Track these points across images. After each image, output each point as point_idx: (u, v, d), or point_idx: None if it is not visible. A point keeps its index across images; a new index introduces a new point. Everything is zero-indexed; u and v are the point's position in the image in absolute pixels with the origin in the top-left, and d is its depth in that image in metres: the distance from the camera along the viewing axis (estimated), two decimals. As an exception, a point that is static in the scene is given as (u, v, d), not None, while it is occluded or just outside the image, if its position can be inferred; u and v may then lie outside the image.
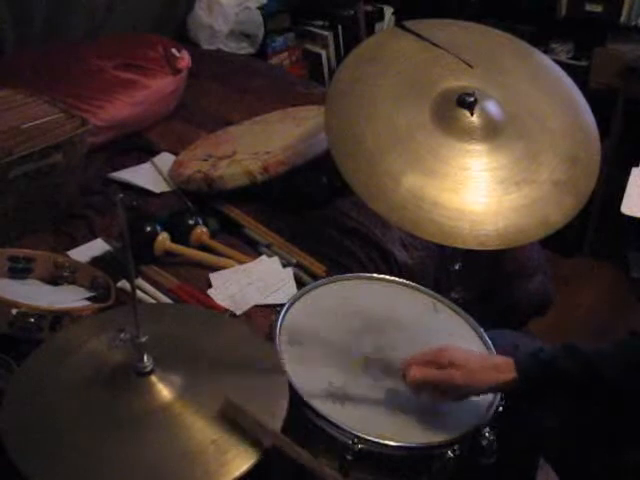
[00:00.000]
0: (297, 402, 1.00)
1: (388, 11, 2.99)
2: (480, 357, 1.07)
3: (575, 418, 1.14)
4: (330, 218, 1.62)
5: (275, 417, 0.85)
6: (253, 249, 1.52)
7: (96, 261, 1.42)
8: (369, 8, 2.95)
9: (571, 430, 1.15)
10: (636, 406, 1.04)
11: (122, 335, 0.86)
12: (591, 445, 1.14)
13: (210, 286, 1.39)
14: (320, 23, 2.93)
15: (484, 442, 1.04)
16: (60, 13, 2.17)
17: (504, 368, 1.02)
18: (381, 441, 0.99)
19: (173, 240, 1.45)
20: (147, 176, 1.74)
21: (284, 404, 0.88)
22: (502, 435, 1.05)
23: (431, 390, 1.05)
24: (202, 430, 0.82)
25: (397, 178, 1.21)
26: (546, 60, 1.48)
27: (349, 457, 0.99)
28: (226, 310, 1.32)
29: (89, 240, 1.51)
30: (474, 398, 1.08)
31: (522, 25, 2.52)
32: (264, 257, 1.48)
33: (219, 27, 2.54)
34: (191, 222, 1.49)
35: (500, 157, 1.26)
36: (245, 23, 2.61)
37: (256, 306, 1.35)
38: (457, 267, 1.46)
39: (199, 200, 1.64)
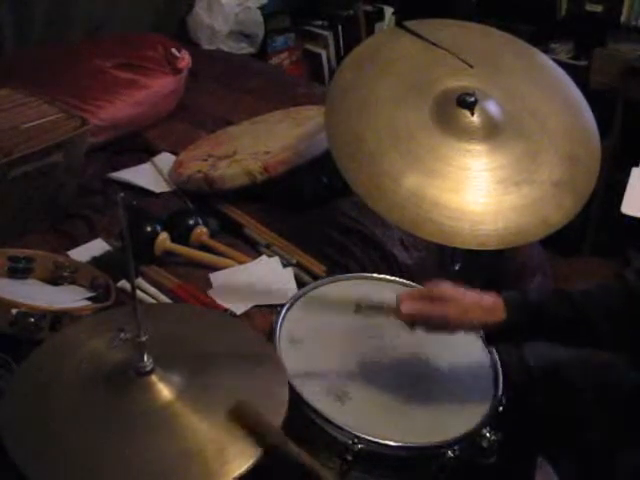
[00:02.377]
0: (297, 402, 1.00)
1: (388, 11, 2.99)
2: (471, 295, 1.07)
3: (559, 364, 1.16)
4: (330, 218, 1.62)
5: (275, 417, 0.85)
6: (253, 249, 1.52)
7: (96, 261, 1.42)
8: (369, 8, 2.95)
9: (570, 426, 1.16)
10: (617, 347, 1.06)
11: (122, 335, 0.86)
12: (590, 445, 1.15)
13: (210, 286, 1.39)
14: (320, 23, 2.93)
15: (484, 442, 1.04)
16: (60, 13, 2.17)
17: (494, 308, 1.04)
18: (381, 441, 0.99)
19: (173, 240, 1.45)
20: (147, 176, 1.74)
21: (284, 404, 0.88)
22: (502, 435, 1.05)
23: (424, 324, 1.06)
24: (202, 430, 0.82)
25: (397, 178, 1.21)
26: (546, 60, 1.48)
27: (349, 457, 0.99)
28: (226, 310, 1.32)
29: (89, 240, 1.50)
30: (474, 398, 1.08)
31: (522, 25, 2.51)
32: (264, 257, 1.48)
33: (219, 27, 2.54)
34: (191, 222, 1.49)
35: (500, 157, 1.26)
36: (245, 23, 2.61)
37: (256, 306, 1.35)
38: (457, 267, 1.46)
39: (199, 200, 1.64)
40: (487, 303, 1.04)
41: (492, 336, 1.08)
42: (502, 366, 1.15)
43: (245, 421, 0.82)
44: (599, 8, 2.60)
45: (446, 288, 1.07)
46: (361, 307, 1.07)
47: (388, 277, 1.32)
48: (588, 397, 1.15)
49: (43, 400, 0.85)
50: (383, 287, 1.29)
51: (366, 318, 1.21)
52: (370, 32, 2.85)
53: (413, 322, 1.06)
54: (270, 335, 1.13)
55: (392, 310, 1.06)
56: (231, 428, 0.82)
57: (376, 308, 1.08)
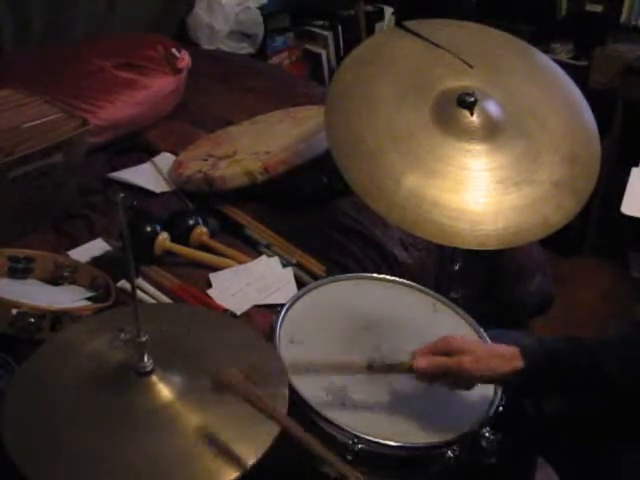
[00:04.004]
0: (297, 402, 1.00)
1: (388, 11, 2.99)
2: (486, 345, 1.08)
3: (577, 411, 1.14)
4: (330, 218, 1.62)
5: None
6: (253, 249, 1.52)
7: (96, 261, 1.42)
8: (369, 8, 2.95)
9: (571, 426, 1.15)
10: (633, 402, 1.04)
11: (122, 335, 0.86)
12: (591, 445, 1.15)
13: (210, 286, 1.39)
14: (320, 23, 2.93)
15: (484, 442, 1.04)
16: (60, 13, 2.17)
17: (510, 356, 1.02)
18: (381, 441, 0.99)
19: (173, 240, 1.45)
20: (147, 176, 1.74)
21: (284, 404, 0.88)
22: (502, 435, 1.05)
23: (441, 378, 1.05)
24: (202, 430, 0.82)
25: (397, 178, 1.21)
26: (546, 60, 1.48)
27: (349, 457, 0.99)
28: (226, 310, 1.32)
29: (89, 240, 1.50)
30: (473, 398, 1.08)
31: (522, 25, 2.51)
32: (264, 257, 1.48)
33: (219, 27, 2.54)
34: (191, 222, 1.49)
35: (500, 157, 1.26)
36: (245, 23, 2.61)
37: (256, 306, 1.35)
38: (457, 267, 1.46)
39: (199, 200, 1.64)
40: (503, 351, 1.03)
41: (510, 387, 1.07)
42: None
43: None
44: (599, 8, 2.60)
45: (460, 340, 1.06)
46: (373, 367, 1.07)
47: (388, 277, 1.32)
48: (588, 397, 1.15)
49: (43, 400, 0.85)
50: (383, 287, 1.29)
51: (366, 319, 1.21)
52: (370, 32, 2.85)
53: (430, 377, 1.05)
54: (270, 335, 1.13)
55: (406, 367, 1.05)
56: (233, 426, 0.82)
57: (390, 367, 1.07)
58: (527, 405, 1.19)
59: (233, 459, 0.79)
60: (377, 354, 1.14)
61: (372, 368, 1.06)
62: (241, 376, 0.84)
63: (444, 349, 1.04)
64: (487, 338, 1.20)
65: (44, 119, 1.51)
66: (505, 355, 1.02)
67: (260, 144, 1.69)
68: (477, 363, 1.02)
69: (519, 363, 1.01)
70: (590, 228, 2.67)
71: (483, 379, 1.05)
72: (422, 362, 1.03)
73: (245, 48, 2.66)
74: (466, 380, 1.05)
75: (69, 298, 1.25)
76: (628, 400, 1.03)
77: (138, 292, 1.30)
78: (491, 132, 1.27)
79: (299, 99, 2.09)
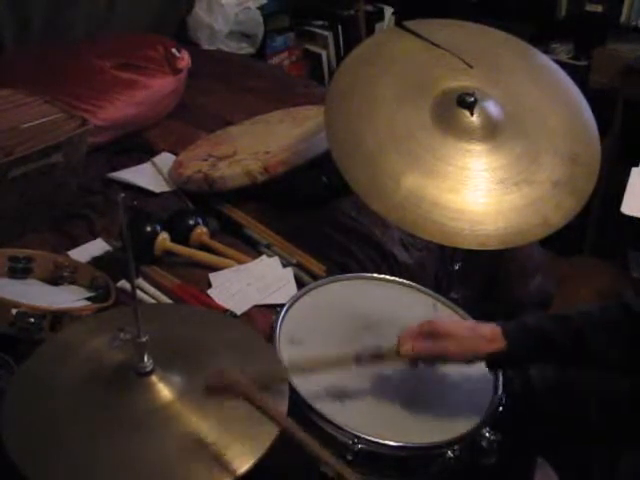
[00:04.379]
0: (297, 402, 1.00)
1: (388, 11, 2.99)
2: (469, 326, 1.08)
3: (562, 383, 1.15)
4: (330, 218, 1.62)
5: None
6: (253, 249, 1.52)
7: (96, 261, 1.42)
8: (369, 8, 2.95)
9: (570, 424, 1.16)
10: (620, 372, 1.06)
11: (122, 335, 0.86)
12: (591, 445, 1.15)
13: (210, 286, 1.39)
14: (320, 23, 2.93)
15: (484, 442, 1.04)
16: (60, 13, 2.17)
17: (493, 337, 1.03)
18: (381, 441, 0.99)
19: (173, 240, 1.45)
20: (147, 176, 1.74)
21: (284, 404, 0.88)
22: (502, 435, 1.05)
23: (425, 362, 1.07)
24: (202, 430, 0.82)
25: (397, 178, 1.21)
26: (546, 60, 1.48)
27: (349, 457, 0.99)
28: (226, 310, 1.32)
29: (89, 240, 1.50)
30: (474, 399, 1.08)
31: (522, 25, 2.51)
32: (264, 257, 1.48)
33: (219, 27, 2.54)
34: (191, 222, 1.49)
35: (500, 157, 1.26)
36: (245, 23, 2.61)
37: (256, 306, 1.35)
38: (457, 267, 1.46)
39: (199, 200, 1.64)
40: (485, 332, 1.04)
41: (494, 364, 1.08)
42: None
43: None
44: (599, 8, 2.60)
45: (442, 323, 1.07)
46: (361, 359, 1.07)
47: (388, 277, 1.32)
48: (588, 398, 1.15)
49: (43, 400, 0.85)
50: (384, 287, 1.29)
51: (366, 319, 1.21)
52: (370, 32, 2.85)
53: (415, 360, 1.06)
54: (270, 335, 1.13)
55: (392, 354, 1.06)
56: (232, 427, 0.82)
57: (376, 356, 1.08)
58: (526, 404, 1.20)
59: (233, 459, 0.79)
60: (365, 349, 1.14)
61: (360, 361, 1.07)
62: (241, 375, 0.84)
63: (429, 332, 1.05)
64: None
65: (44, 119, 1.51)
66: (487, 336, 1.04)
67: (260, 144, 1.69)
68: (461, 346, 1.04)
69: (501, 344, 1.02)
70: (590, 228, 2.67)
71: (467, 360, 1.06)
72: (408, 349, 1.05)
73: (245, 48, 2.66)
74: (450, 361, 1.06)
75: (69, 298, 1.25)
76: (611, 364, 1.04)
77: (138, 292, 1.30)
78: (491, 132, 1.27)
79: (299, 99, 2.09)
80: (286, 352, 1.10)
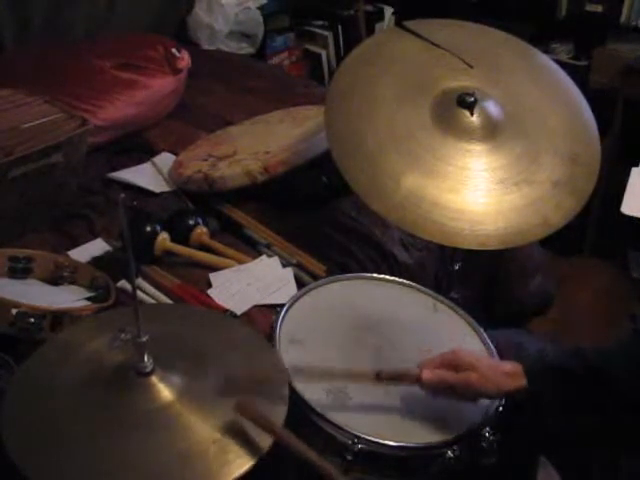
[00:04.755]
0: (297, 402, 1.00)
1: (388, 11, 2.99)
2: (491, 361, 1.09)
3: (580, 420, 1.14)
4: (330, 218, 1.62)
5: (275, 417, 0.85)
6: (253, 249, 1.52)
7: (96, 261, 1.42)
8: (369, 8, 2.95)
9: (572, 432, 1.15)
10: None
11: (122, 335, 0.86)
12: (593, 447, 1.14)
13: (210, 286, 1.39)
14: (320, 23, 2.93)
15: (484, 442, 1.04)
16: (60, 13, 2.17)
17: (514, 374, 1.03)
18: (381, 441, 0.99)
19: (173, 240, 1.45)
20: (147, 176, 1.74)
21: (284, 404, 0.88)
22: (502, 435, 1.05)
23: (447, 392, 1.05)
24: (202, 430, 0.82)
25: (397, 178, 1.21)
26: (546, 60, 1.48)
27: (349, 457, 0.99)
28: (226, 310, 1.32)
29: (89, 240, 1.50)
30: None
31: (522, 25, 2.51)
32: (264, 257, 1.48)
33: (219, 27, 2.54)
34: (191, 222, 1.49)
35: (500, 157, 1.26)
36: (245, 23, 2.61)
37: (256, 306, 1.35)
38: (457, 267, 1.46)
39: (199, 200, 1.64)
40: (507, 369, 1.04)
41: (515, 403, 1.07)
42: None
43: (249, 417, 0.82)
44: (599, 8, 2.60)
45: (467, 355, 1.06)
46: (381, 377, 1.07)
47: (388, 277, 1.32)
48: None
49: (43, 400, 0.85)
50: (384, 287, 1.29)
51: (366, 319, 1.21)
52: (370, 32, 2.85)
53: (436, 390, 1.05)
54: (270, 335, 1.12)
55: (413, 378, 1.05)
56: (232, 428, 0.82)
57: (397, 377, 1.08)
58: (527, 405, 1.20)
59: (233, 459, 0.79)
60: (377, 354, 1.14)
61: (380, 378, 1.06)
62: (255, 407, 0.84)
63: (452, 362, 1.05)
64: (487, 338, 1.20)
65: (44, 119, 1.51)
66: (510, 373, 1.03)
67: (260, 144, 1.69)
68: (483, 380, 1.03)
69: (522, 381, 1.02)
70: (590, 228, 2.67)
71: (487, 395, 1.06)
72: (429, 375, 1.04)
73: (245, 48, 2.66)
74: (471, 395, 1.05)
75: (69, 298, 1.25)
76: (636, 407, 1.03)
77: (138, 292, 1.30)
78: (491, 132, 1.27)
79: (299, 99, 2.09)
80: (286, 352, 1.10)
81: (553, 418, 1.16)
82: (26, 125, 1.48)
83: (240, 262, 1.45)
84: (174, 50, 2.04)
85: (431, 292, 1.29)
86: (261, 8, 2.65)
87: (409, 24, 1.41)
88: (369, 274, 1.33)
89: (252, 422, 0.82)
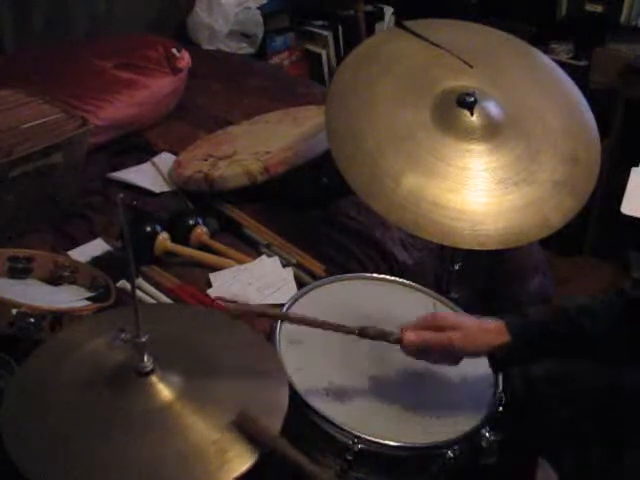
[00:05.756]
0: (297, 402, 1.00)
1: (388, 11, 2.99)
2: (473, 320, 1.08)
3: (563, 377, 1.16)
4: (330, 218, 1.62)
5: (275, 417, 0.85)
6: (253, 249, 1.52)
7: (96, 261, 1.42)
8: (369, 8, 2.94)
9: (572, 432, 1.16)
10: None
11: (122, 335, 0.86)
12: (591, 445, 1.15)
13: (210, 286, 1.39)
14: (320, 23, 2.92)
15: (484, 442, 1.04)
16: (60, 13, 2.17)
17: (497, 331, 1.04)
18: (381, 441, 0.99)
19: (173, 240, 1.45)
20: (147, 176, 1.74)
21: (284, 404, 0.88)
22: (502, 435, 1.05)
23: (428, 354, 1.06)
24: (202, 430, 0.82)
25: (397, 178, 1.21)
26: (546, 60, 1.48)
27: (349, 457, 0.99)
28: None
29: (89, 240, 1.50)
30: (474, 398, 1.08)
31: (522, 25, 2.51)
32: (264, 257, 1.48)
33: (219, 27, 2.54)
34: (191, 222, 1.49)
35: (500, 157, 1.26)
36: (245, 23, 2.61)
37: (256, 306, 1.35)
38: (457, 267, 1.46)
39: (199, 200, 1.64)
40: (490, 327, 1.05)
41: (498, 361, 1.08)
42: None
43: (246, 430, 0.82)
44: (599, 8, 2.60)
45: (447, 316, 1.08)
46: (364, 333, 1.07)
47: (388, 277, 1.32)
48: (588, 398, 1.15)
49: (43, 400, 0.85)
50: (383, 287, 1.29)
51: (366, 318, 1.21)
52: (370, 32, 2.85)
53: (417, 352, 1.06)
54: (270, 335, 1.12)
55: (395, 340, 1.06)
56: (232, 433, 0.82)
57: (379, 338, 1.08)
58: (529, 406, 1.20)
59: (233, 459, 0.79)
60: (377, 354, 1.14)
61: (362, 335, 1.07)
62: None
63: (433, 324, 1.06)
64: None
65: (44, 119, 1.51)
66: (492, 330, 1.05)
67: (260, 144, 1.69)
68: (466, 339, 1.04)
69: (506, 337, 1.03)
70: (590, 228, 2.67)
71: (470, 354, 1.06)
72: (412, 335, 1.05)
73: (245, 48, 2.66)
74: (454, 355, 1.06)
75: (69, 298, 1.25)
76: (612, 358, 1.06)
77: (138, 292, 1.30)
78: (491, 132, 1.27)
79: (299, 99, 2.09)
80: (286, 352, 1.10)
81: (553, 418, 1.17)
82: (26, 125, 1.48)
83: (240, 262, 1.45)
84: (174, 50, 2.04)
85: (431, 292, 1.29)
86: (261, 8, 2.65)
87: (409, 24, 1.41)
88: (369, 274, 1.33)
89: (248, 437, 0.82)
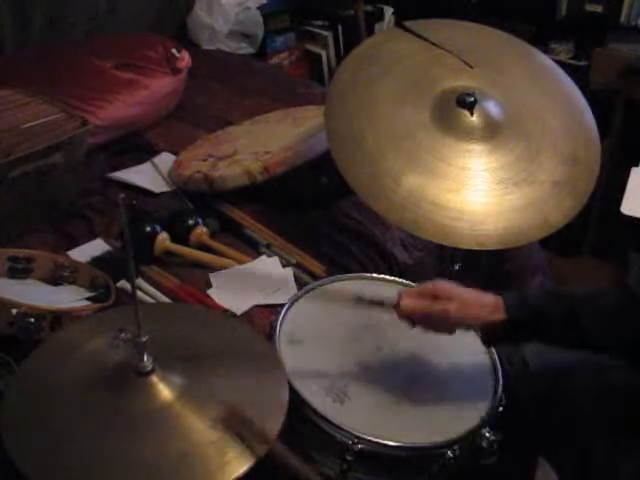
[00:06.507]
0: (297, 402, 1.00)
1: (388, 11, 2.99)
2: (472, 293, 1.08)
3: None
4: (330, 218, 1.62)
5: (275, 417, 0.85)
6: (253, 249, 1.52)
7: (96, 261, 1.42)
8: (369, 8, 2.94)
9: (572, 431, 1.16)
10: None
11: (122, 335, 0.86)
12: (590, 445, 1.15)
13: (210, 286, 1.39)
14: (320, 23, 2.92)
15: (484, 442, 1.04)
16: (60, 13, 2.17)
17: (494, 307, 1.04)
18: (381, 441, 0.99)
19: (173, 240, 1.45)
20: (147, 176, 1.74)
21: (284, 404, 0.88)
22: (502, 435, 1.05)
23: (424, 321, 1.06)
24: (202, 430, 0.82)
25: (397, 178, 1.21)
26: (546, 60, 1.48)
27: (349, 457, 0.99)
28: (226, 310, 1.32)
29: (89, 240, 1.50)
30: (473, 398, 1.08)
31: (522, 25, 2.51)
32: (264, 257, 1.48)
33: (219, 27, 2.54)
34: (191, 222, 1.49)
35: (500, 157, 1.26)
36: (245, 23, 2.61)
37: (256, 306, 1.35)
38: (457, 267, 1.46)
39: (199, 200, 1.64)
40: (488, 301, 1.05)
41: (491, 336, 1.08)
42: (502, 368, 1.15)
43: (234, 427, 0.82)
44: (599, 8, 2.60)
45: (446, 286, 1.07)
46: (361, 300, 1.07)
47: (388, 277, 1.32)
48: (588, 399, 1.15)
49: (43, 400, 0.85)
50: (383, 287, 1.29)
51: (366, 319, 1.21)
52: (370, 32, 2.85)
53: (413, 319, 1.06)
54: (270, 335, 1.13)
55: (392, 306, 1.07)
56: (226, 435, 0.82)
57: (376, 303, 1.08)
58: (511, 359, 1.21)
59: (233, 459, 0.79)
60: (377, 354, 1.14)
61: (359, 301, 1.08)
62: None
63: (432, 292, 1.06)
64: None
65: (44, 119, 1.51)
66: (489, 305, 1.04)
67: (260, 144, 1.69)
68: (462, 310, 1.04)
69: (500, 315, 1.03)
70: (590, 228, 2.67)
71: (464, 325, 1.07)
72: (409, 302, 1.05)
73: (245, 48, 2.66)
74: (449, 325, 1.06)
75: (69, 298, 1.25)
76: (604, 349, 1.05)
77: (138, 292, 1.30)
78: (491, 132, 1.27)
79: (299, 99, 2.10)
80: (286, 352, 1.10)
81: (553, 418, 1.17)
82: (26, 125, 1.48)
83: (240, 262, 1.45)
84: (174, 50, 2.04)
85: (431, 292, 1.29)
86: (261, 8, 2.65)
87: (409, 24, 1.41)
88: (369, 274, 1.33)
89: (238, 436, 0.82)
